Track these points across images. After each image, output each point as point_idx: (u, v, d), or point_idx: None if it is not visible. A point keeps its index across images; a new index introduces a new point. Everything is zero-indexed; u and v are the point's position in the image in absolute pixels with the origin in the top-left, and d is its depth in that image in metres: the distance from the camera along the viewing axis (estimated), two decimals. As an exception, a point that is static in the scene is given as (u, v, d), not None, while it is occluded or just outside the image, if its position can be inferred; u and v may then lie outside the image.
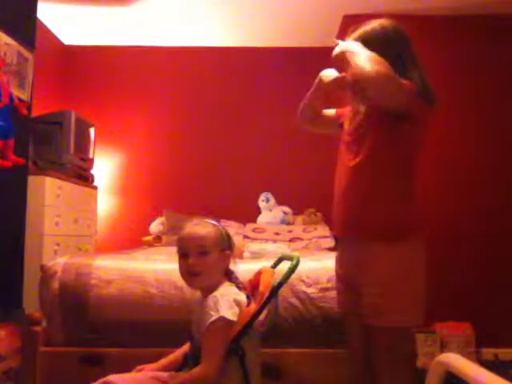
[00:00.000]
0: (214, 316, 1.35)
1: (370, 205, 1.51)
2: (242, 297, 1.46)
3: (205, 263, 1.43)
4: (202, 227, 1.48)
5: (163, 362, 1.53)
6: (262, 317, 1.44)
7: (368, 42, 1.50)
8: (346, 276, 1.61)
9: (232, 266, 1.53)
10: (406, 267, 1.47)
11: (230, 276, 1.51)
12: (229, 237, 1.53)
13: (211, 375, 1.32)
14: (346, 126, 1.67)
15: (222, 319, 1.34)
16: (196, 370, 1.34)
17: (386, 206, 1.50)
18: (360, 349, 1.58)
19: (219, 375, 1.34)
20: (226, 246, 1.49)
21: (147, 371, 1.49)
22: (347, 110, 1.72)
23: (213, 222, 1.52)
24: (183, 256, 1.46)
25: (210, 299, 1.39)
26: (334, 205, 1.63)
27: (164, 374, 1.46)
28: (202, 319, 1.39)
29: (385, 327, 1.45)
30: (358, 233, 1.53)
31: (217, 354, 1.34)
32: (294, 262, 1.52)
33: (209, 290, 1.43)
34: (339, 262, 1.68)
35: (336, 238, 1.78)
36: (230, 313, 1.36)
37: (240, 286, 1.50)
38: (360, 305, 1.50)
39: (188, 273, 1.45)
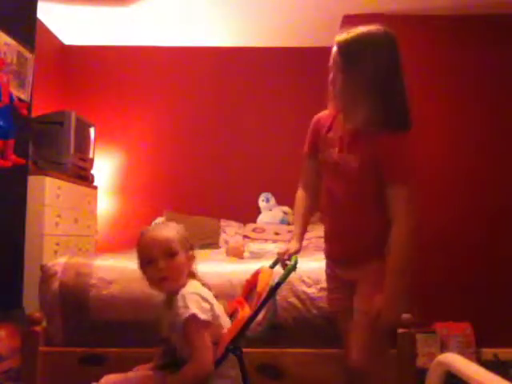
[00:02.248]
0: (186, 313, 1.34)
1: (367, 236, 1.58)
2: (209, 293, 1.44)
3: (174, 265, 1.40)
4: (164, 229, 1.46)
5: (157, 361, 1.53)
6: (259, 317, 1.44)
7: (357, 49, 1.47)
8: (341, 275, 1.65)
9: (193, 268, 1.50)
10: None
11: (193, 278, 1.48)
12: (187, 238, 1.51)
13: (206, 368, 1.33)
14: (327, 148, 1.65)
15: (194, 316, 1.34)
16: (190, 366, 1.34)
17: (381, 231, 1.53)
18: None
19: (213, 367, 1.34)
20: (189, 247, 1.48)
21: (142, 371, 1.48)
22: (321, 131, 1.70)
23: (172, 223, 1.50)
24: (149, 264, 1.42)
25: (179, 298, 1.38)
26: (331, 240, 1.68)
27: (158, 375, 1.46)
28: (176, 320, 1.37)
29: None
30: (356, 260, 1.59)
31: (204, 348, 1.34)
32: (293, 262, 1.52)
33: (176, 292, 1.41)
34: (332, 267, 1.72)
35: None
36: (200, 311, 1.35)
37: (204, 285, 1.48)
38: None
39: (159, 278, 1.41)
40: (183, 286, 1.42)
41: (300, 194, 1.78)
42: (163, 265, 1.39)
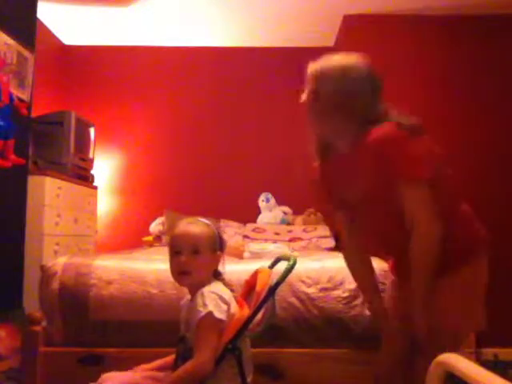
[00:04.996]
0: (203, 312, 1.35)
1: None
2: (229, 294, 1.46)
3: (196, 262, 1.43)
4: (195, 226, 1.48)
5: (159, 362, 1.52)
6: (258, 317, 1.45)
7: (327, 77, 1.48)
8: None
9: (221, 268, 1.52)
10: (466, 290, 1.53)
11: (218, 277, 1.51)
12: (221, 238, 1.53)
13: (205, 367, 1.32)
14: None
15: (210, 314, 1.35)
16: (189, 363, 1.34)
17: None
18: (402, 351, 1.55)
19: (213, 368, 1.33)
20: (217, 247, 1.49)
21: (143, 371, 1.48)
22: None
23: (206, 221, 1.52)
24: (175, 254, 1.46)
25: (198, 296, 1.40)
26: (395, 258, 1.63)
27: (160, 374, 1.46)
28: (192, 316, 1.39)
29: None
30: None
31: (209, 347, 1.34)
32: (291, 262, 1.52)
33: (196, 288, 1.43)
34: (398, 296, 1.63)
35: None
36: (217, 310, 1.37)
37: (227, 286, 1.50)
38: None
39: (179, 271, 1.45)
40: (205, 284, 1.44)
41: (348, 261, 1.70)
42: (185, 259, 1.42)
